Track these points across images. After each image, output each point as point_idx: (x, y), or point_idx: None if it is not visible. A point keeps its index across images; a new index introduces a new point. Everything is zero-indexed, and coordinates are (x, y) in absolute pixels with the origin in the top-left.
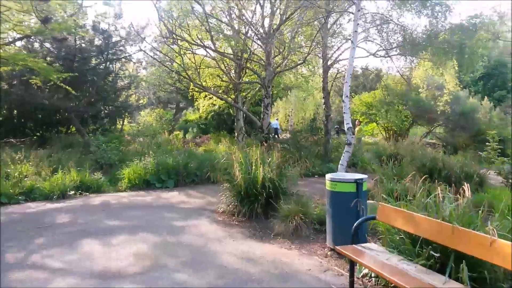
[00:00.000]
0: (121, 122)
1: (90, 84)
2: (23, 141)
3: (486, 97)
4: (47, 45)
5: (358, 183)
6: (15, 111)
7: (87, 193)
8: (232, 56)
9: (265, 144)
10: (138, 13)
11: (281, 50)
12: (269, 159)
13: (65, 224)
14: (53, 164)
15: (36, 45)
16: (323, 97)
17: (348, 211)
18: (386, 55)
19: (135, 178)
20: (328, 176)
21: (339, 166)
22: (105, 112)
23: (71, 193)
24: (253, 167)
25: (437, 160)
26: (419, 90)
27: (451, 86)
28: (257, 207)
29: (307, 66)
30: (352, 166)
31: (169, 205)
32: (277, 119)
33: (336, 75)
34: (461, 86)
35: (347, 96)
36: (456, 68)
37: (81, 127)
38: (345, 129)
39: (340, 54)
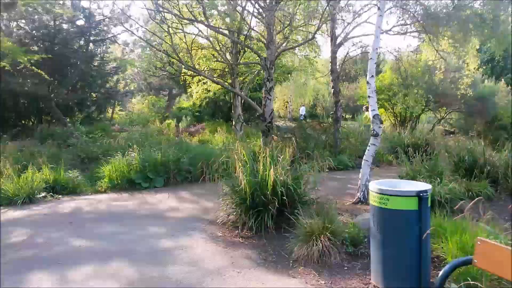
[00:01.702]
0: (110, 110)
1: (73, 68)
2: (3, 132)
3: (503, 79)
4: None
5: (422, 197)
6: None
7: (60, 196)
8: (227, 32)
9: (275, 138)
10: None
11: (285, 24)
12: (281, 156)
13: (18, 245)
14: (24, 159)
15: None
16: (332, 81)
17: (406, 238)
18: (402, 32)
19: (117, 177)
20: (375, 186)
21: (363, 162)
22: (92, 99)
23: (40, 195)
24: (261, 167)
25: (477, 153)
26: (436, 72)
27: (472, 67)
28: (267, 218)
29: (311, 47)
30: None
31: (155, 213)
32: (303, 106)
33: (346, 55)
34: (484, 67)
35: (372, 75)
36: (477, 47)
37: (62, 116)
38: (371, 116)
39: (351, 31)
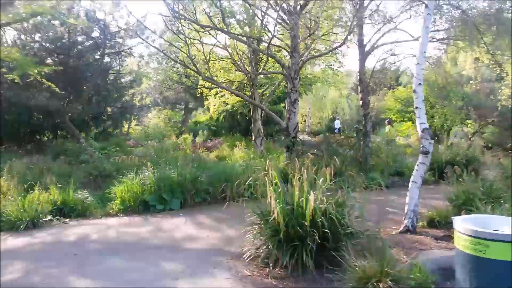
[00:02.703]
0: (127, 124)
1: (88, 82)
2: (19, 147)
3: None
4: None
5: None
6: (6, 115)
7: (67, 220)
8: (247, 40)
9: (310, 156)
10: (136, 4)
11: (312, 29)
12: (321, 178)
13: (11, 285)
14: (32, 178)
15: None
16: (360, 92)
17: None
18: (434, 39)
19: (130, 198)
20: (465, 226)
21: (410, 183)
22: (107, 113)
23: (46, 219)
24: (295, 192)
25: None
26: (471, 82)
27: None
28: (305, 255)
29: (334, 56)
30: (397, 175)
31: (171, 243)
32: (338, 118)
33: (376, 65)
34: None
35: (420, 83)
36: None
37: (76, 131)
38: (419, 130)
39: (380, 38)
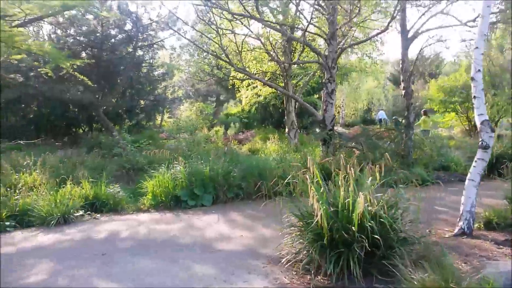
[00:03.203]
0: (159, 117)
1: (121, 75)
2: (56, 141)
3: None
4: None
5: None
6: (43, 109)
7: (98, 215)
8: (281, 28)
9: (356, 152)
10: None
11: (353, 13)
12: (369, 177)
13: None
14: (65, 172)
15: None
16: (402, 81)
17: None
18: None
19: (161, 193)
20: None
21: (467, 181)
22: (140, 106)
23: (78, 214)
24: (341, 192)
25: None
26: None
27: None
28: (352, 263)
29: (373, 44)
30: (442, 169)
31: (203, 243)
32: (382, 110)
33: (420, 51)
34: None
35: (479, 70)
36: None
37: (110, 124)
38: (478, 122)
39: (425, 22)
